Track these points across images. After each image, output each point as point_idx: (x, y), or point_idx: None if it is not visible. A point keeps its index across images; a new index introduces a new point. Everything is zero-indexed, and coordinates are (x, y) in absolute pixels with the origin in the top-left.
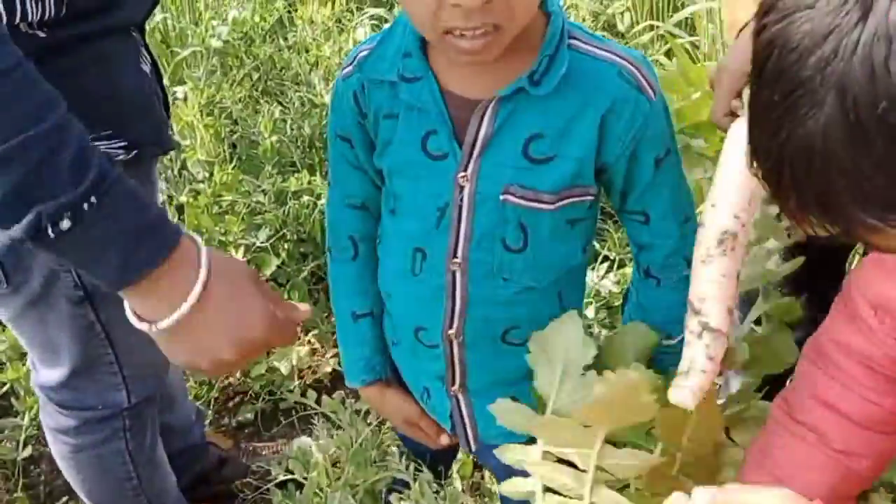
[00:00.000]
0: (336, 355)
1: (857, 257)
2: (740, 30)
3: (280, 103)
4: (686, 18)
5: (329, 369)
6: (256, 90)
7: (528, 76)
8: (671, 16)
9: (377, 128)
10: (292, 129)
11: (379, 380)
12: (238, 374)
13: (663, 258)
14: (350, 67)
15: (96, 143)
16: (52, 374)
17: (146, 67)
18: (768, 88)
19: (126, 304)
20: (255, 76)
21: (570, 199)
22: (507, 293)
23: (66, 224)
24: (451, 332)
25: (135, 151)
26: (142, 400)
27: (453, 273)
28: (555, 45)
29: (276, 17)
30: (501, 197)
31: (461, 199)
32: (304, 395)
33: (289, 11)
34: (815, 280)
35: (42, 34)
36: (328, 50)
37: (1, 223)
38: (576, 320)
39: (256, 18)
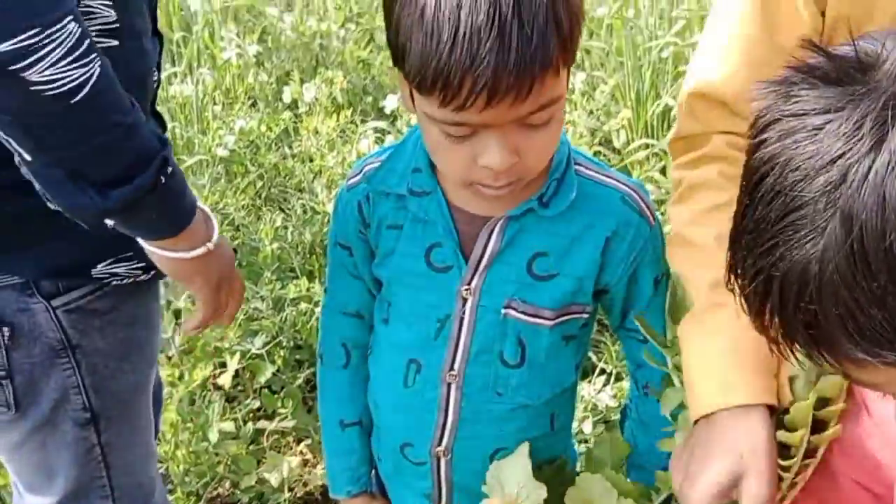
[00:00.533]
0: None
1: None
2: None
3: (282, 210)
4: None
5: (320, 482)
6: (260, 197)
7: (538, 198)
8: (665, 134)
9: (379, 237)
10: (293, 236)
11: (365, 492)
12: (227, 486)
13: (662, 374)
14: (357, 178)
15: (116, 266)
16: (41, 501)
17: None
18: (763, 206)
19: (164, 253)
20: (259, 184)
21: (568, 316)
22: (500, 409)
23: (170, 169)
24: (439, 448)
25: (152, 272)
26: None
27: (448, 385)
28: (562, 170)
29: (281, 128)
30: (503, 311)
31: (463, 312)
32: None
33: (294, 122)
34: None
35: None
36: (332, 160)
37: (133, 178)
38: (526, 457)
39: (263, 128)
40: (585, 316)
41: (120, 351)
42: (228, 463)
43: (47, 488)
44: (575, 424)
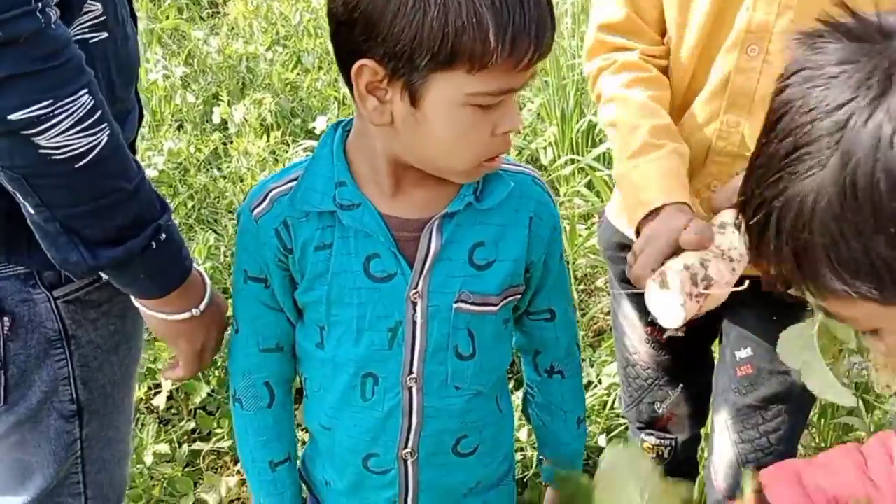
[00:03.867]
0: None
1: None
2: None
3: (214, 231)
4: (603, 153)
5: None
6: (191, 218)
7: (472, 191)
8: (590, 150)
9: (304, 262)
10: (226, 256)
11: None
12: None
13: (566, 349)
14: (264, 205)
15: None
16: (11, 502)
17: None
18: (777, 143)
19: (151, 312)
20: (190, 204)
21: (509, 299)
22: (459, 402)
23: (163, 236)
24: (405, 451)
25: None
26: None
27: (409, 389)
28: None
29: (211, 149)
30: (455, 306)
31: (415, 316)
32: None
33: (224, 143)
34: (690, 372)
35: None
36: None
37: (125, 240)
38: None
39: (192, 149)
40: (518, 297)
41: (110, 343)
42: (165, 485)
43: (20, 488)
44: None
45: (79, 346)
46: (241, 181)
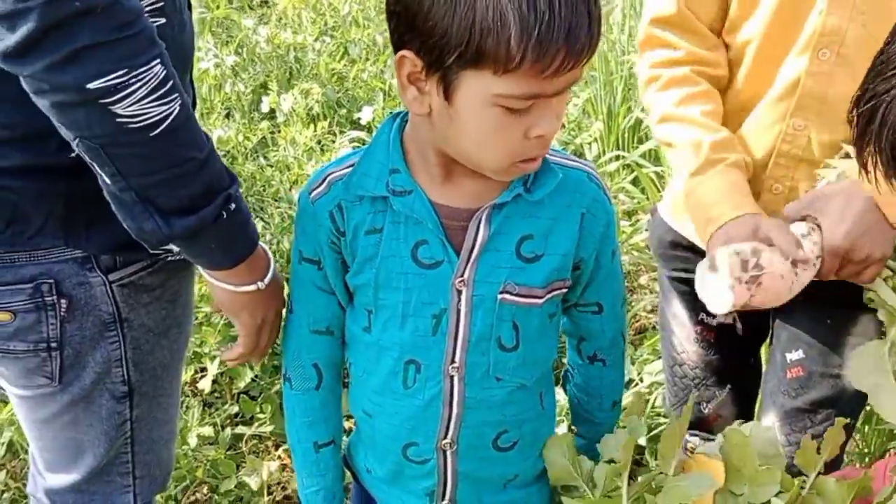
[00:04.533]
0: None
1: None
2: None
3: (261, 219)
4: (650, 150)
5: None
6: None
7: (523, 183)
8: (636, 147)
9: (356, 245)
10: (271, 245)
11: None
12: (205, 490)
13: (611, 340)
14: (322, 187)
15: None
16: (63, 479)
17: None
18: None
19: (218, 283)
20: None
21: (555, 292)
22: (501, 394)
23: (233, 206)
24: (445, 441)
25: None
26: None
27: (451, 378)
28: None
29: (259, 137)
30: (499, 296)
31: (459, 304)
32: None
33: (272, 132)
34: (739, 373)
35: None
36: (310, 168)
37: (197, 210)
38: None
39: (240, 138)
40: (565, 290)
41: (161, 327)
42: (207, 467)
43: (71, 466)
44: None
45: (131, 329)
46: (288, 170)
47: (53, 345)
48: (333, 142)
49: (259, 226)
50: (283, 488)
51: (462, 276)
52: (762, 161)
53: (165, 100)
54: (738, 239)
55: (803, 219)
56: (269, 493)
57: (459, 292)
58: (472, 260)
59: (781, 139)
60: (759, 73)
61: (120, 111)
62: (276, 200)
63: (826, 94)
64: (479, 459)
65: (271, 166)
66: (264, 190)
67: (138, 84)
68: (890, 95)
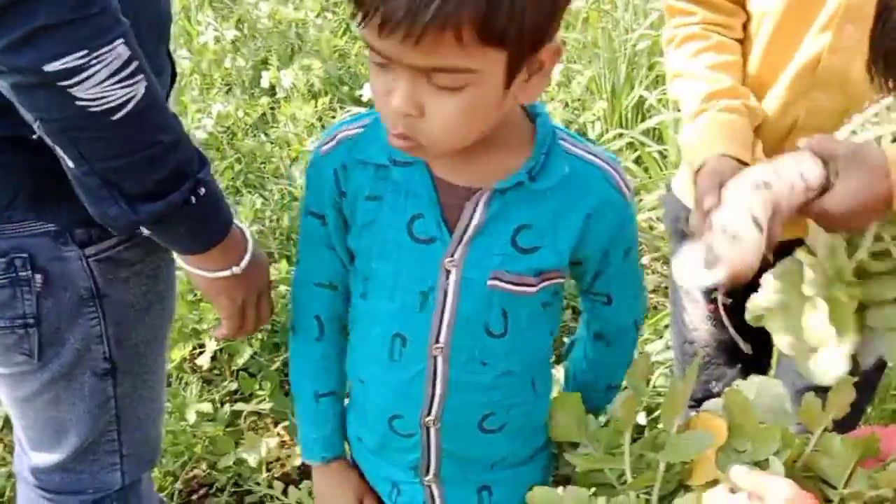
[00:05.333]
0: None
1: None
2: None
3: (261, 195)
4: (653, 128)
5: (298, 462)
6: (237, 181)
7: (527, 171)
8: (639, 125)
9: (355, 208)
10: (271, 221)
11: (341, 457)
12: (204, 467)
13: (617, 328)
14: (331, 144)
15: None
16: (47, 458)
17: None
18: None
19: (191, 269)
20: (237, 168)
21: (549, 282)
22: (486, 378)
23: (202, 190)
24: (429, 418)
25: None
26: (131, 483)
27: (435, 358)
28: (548, 145)
29: (259, 113)
30: (489, 283)
31: (447, 284)
32: (270, 486)
33: (272, 108)
34: (751, 352)
35: None
36: (310, 145)
37: (164, 195)
38: None
39: (240, 114)
40: (561, 281)
41: (142, 303)
42: (206, 444)
43: (56, 445)
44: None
45: (111, 305)
46: (288, 146)
47: (31, 321)
48: (334, 118)
49: (258, 202)
50: (283, 465)
51: (452, 256)
52: (781, 133)
53: (128, 82)
54: (726, 174)
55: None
56: (268, 470)
57: (448, 272)
58: (464, 242)
59: (805, 113)
60: (776, 49)
61: (80, 94)
62: (275, 177)
63: (849, 70)
64: (463, 439)
65: (272, 142)
66: (264, 166)
67: (99, 66)
68: (893, 2)
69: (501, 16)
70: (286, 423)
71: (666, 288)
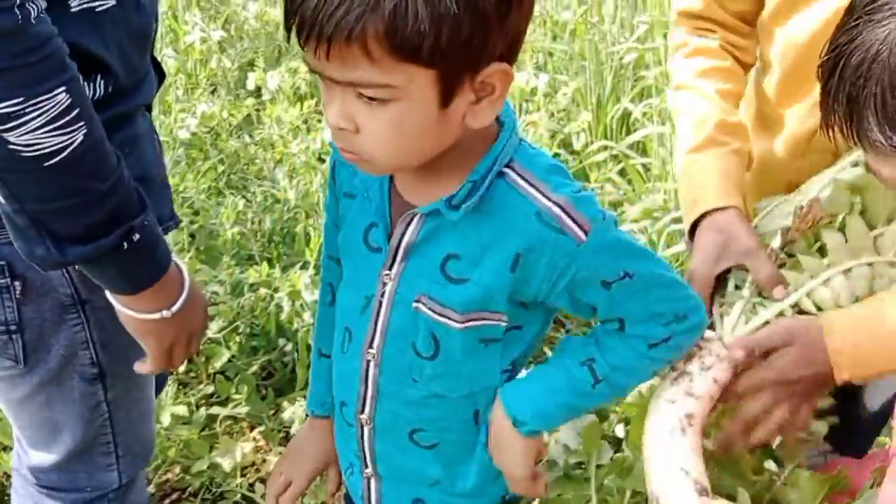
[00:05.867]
0: (279, 454)
1: None
2: (694, 224)
3: (243, 197)
4: (638, 142)
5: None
6: (220, 182)
7: (447, 199)
8: (624, 137)
9: (340, 201)
10: (253, 223)
11: (327, 419)
12: (177, 470)
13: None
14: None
15: None
16: (44, 457)
17: (157, 142)
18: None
19: (119, 307)
20: (220, 168)
21: (480, 322)
22: (416, 394)
23: (136, 236)
24: (362, 416)
25: (160, 229)
26: (128, 482)
27: (367, 362)
28: (481, 174)
29: (244, 114)
30: (413, 304)
31: (382, 295)
32: (251, 489)
33: (257, 109)
34: None
35: None
36: (295, 147)
37: (94, 239)
38: None
39: (225, 114)
40: (503, 324)
41: None
42: (180, 447)
43: (52, 445)
44: None
45: (94, 310)
46: (273, 148)
47: (13, 327)
48: (319, 121)
49: (241, 203)
50: (257, 470)
51: (389, 270)
52: (798, 148)
53: (65, 130)
54: (713, 243)
55: (765, 354)
56: (243, 475)
57: (385, 285)
58: (398, 258)
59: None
60: (798, 75)
61: (12, 139)
62: (259, 179)
63: None
64: (395, 446)
65: (256, 144)
66: (247, 168)
67: (35, 113)
68: (849, 48)
69: (407, 30)
70: (262, 427)
71: None
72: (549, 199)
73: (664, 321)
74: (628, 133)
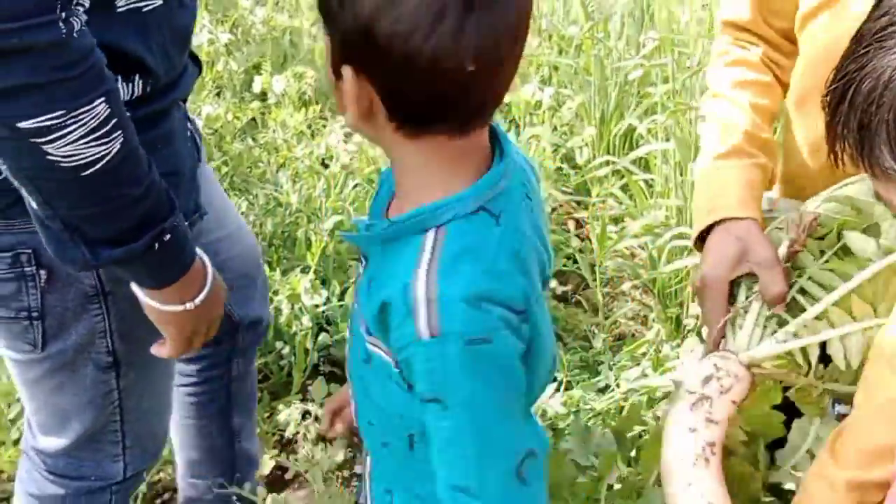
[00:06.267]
0: (274, 457)
1: None
2: (702, 232)
3: (246, 199)
4: (641, 157)
5: (267, 470)
6: (223, 184)
7: (367, 225)
8: (627, 153)
9: None
10: (255, 226)
11: None
12: (169, 471)
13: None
14: None
15: None
16: (53, 442)
17: (191, 131)
18: (873, 21)
19: (142, 297)
20: (224, 170)
21: (376, 349)
22: (371, 406)
23: (166, 237)
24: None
25: (185, 223)
26: (134, 475)
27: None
28: (404, 218)
29: (249, 118)
30: (360, 328)
31: (354, 311)
32: (253, 493)
33: (262, 113)
34: None
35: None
36: (299, 152)
37: (126, 242)
38: None
39: (229, 117)
40: (392, 363)
41: None
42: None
43: (61, 430)
44: None
45: (116, 301)
46: (277, 152)
47: (35, 314)
48: (325, 126)
49: (244, 205)
50: None
51: (359, 273)
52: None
53: (103, 140)
54: (730, 249)
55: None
56: None
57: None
58: (359, 277)
59: None
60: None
61: (51, 150)
62: (262, 182)
63: None
64: (374, 447)
65: (260, 147)
66: (251, 171)
67: (75, 125)
68: (860, 75)
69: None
70: (257, 430)
71: (645, 316)
72: (425, 282)
73: (450, 483)
74: (632, 149)
